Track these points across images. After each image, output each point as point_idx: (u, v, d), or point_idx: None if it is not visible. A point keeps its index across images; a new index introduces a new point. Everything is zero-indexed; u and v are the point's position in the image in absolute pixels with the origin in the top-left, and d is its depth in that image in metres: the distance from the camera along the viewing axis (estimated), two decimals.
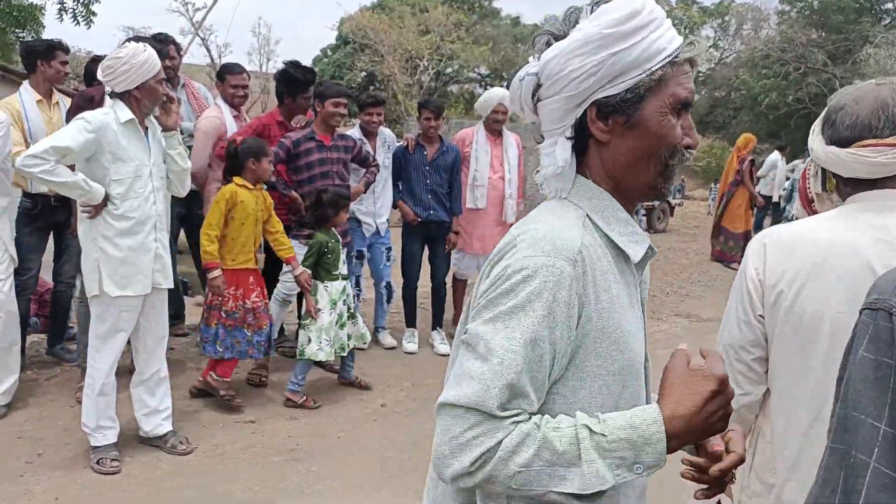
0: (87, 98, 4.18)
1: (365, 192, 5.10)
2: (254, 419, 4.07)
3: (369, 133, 5.31)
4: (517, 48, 29.78)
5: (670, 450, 1.03)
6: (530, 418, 1.03)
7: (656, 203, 14.88)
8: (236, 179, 4.08)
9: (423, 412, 4.31)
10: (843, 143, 1.44)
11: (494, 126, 5.63)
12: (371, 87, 25.98)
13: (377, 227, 5.38)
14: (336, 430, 4.03)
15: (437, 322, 5.70)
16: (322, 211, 4.36)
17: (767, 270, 1.49)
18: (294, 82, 4.83)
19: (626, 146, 1.11)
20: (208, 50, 25.13)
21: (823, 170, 1.55)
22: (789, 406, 1.50)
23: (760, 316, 1.51)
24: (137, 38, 3.82)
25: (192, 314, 5.91)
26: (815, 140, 1.49)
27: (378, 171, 5.19)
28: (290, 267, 4.33)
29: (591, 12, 1.09)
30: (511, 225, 5.94)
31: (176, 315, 5.03)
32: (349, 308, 4.45)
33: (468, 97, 29.56)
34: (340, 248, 4.44)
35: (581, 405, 1.07)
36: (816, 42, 23.97)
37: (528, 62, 1.16)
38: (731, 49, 31.50)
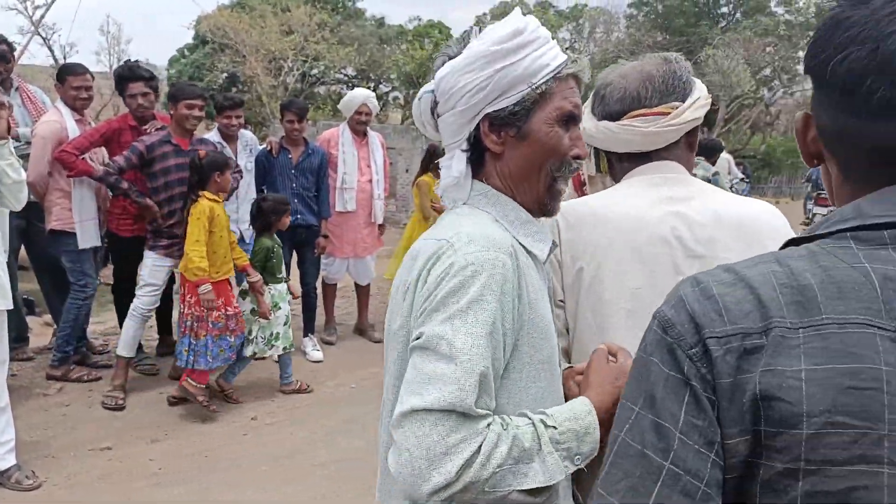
0: None
1: (228, 199, 4.89)
2: (110, 445, 3.80)
3: (229, 136, 5.11)
4: (383, 49, 29.83)
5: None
6: (496, 418, 1.05)
7: None
8: (206, 194, 4.10)
9: (297, 423, 4.21)
10: (615, 116, 1.44)
11: (358, 127, 5.59)
12: (234, 89, 25.14)
13: (241, 234, 5.18)
14: (202, 449, 3.84)
15: (308, 328, 5.58)
16: (264, 218, 4.51)
17: (564, 247, 1.42)
18: (120, 80, 4.61)
19: (518, 156, 1.18)
20: (51, 50, 23.32)
21: (597, 151, 1.56)
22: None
23: (561, 301, 1.43)
24: None
25: (40, 335, 5.45)
26: (587, 119, 1.48)
27: (241, 176, 5.01)
28: (247, 274, 4.36)
29: (479, 32, 1.18)
30: (380, 226, 5.97)
31: (18, 337, 4.61)
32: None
33: (335, 98, 29.22)
34: (282, 252, 4.61)
35: (517, 396, 1.11)
36: (661, 44, 25.66)
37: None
38: (586, 51, 33.03)
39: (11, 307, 3.34)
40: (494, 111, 1.15)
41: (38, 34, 20.89)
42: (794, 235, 0.87)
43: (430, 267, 1.09)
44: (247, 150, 5.25)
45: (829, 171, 0.86)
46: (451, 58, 1.18)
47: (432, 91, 1.20)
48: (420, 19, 35.44)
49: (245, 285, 4.46)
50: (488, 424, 1.02)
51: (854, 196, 0.80)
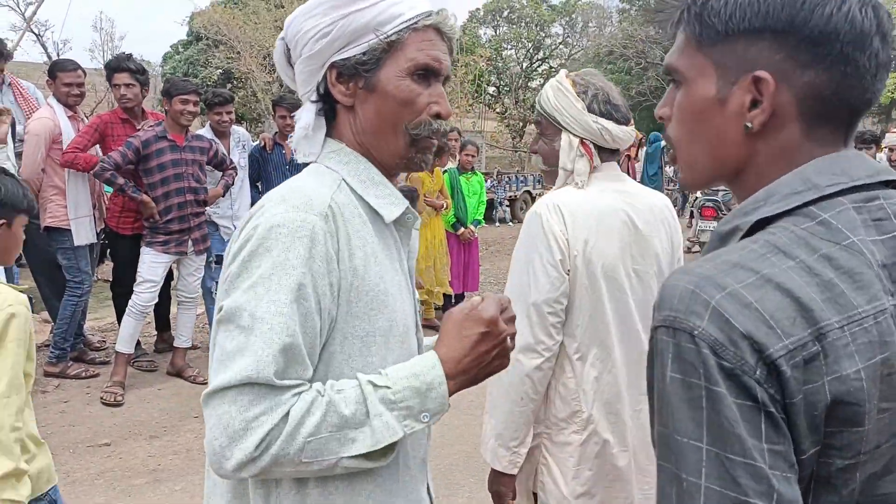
0: None
1: (223, 195, 4.89)
2: (109, 442, 3.80)
3: (221, 133, 5.10)
4: None
5: (450, 393, 1.04)
6: (311, 387, 0.99)
7: (518, 193, 15.38)
8: None
9: None
10: (620, 121, 1.78)
11: None
12: (228, 85, 25.04)
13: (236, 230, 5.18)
14: (200, 445, 3.84)
15: None
16: None
17: (569, 231, 1.70)
18: (108, 70, 4.63)
19: (370, 110, 1.10)
20: (44, 47, 23.26)
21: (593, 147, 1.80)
22: (588, 343, 1.75)
23: (568, 271, 1.71)
24: None
25: (37, 332, 5.43)
26: (581, 113, 1.74)
27: (236, 173, 5.00)
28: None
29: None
30: None
31: None
32: None
33: None
34: None
35: (338, 369, 1.04)
36: (654, 38, 25.68)
37: None
38: (578, 46, 33.04)
39: None
40: (341, 59, 1.08)
41: (31, 31, 20.80)
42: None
43: (241, 228, 1.04)
44: (239, 146, 5.24)
45: (753, 145, 0.81)
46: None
47: (283, 38, 1.14)
48: None
49: None
50: (296, 395, 0.96)
51: (794, 163, 0.78)
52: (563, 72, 1.85)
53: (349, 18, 1.05)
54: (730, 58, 0.79)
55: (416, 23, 1.08)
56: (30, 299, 5.66)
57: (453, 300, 6.18)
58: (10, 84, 4.63)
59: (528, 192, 15.71)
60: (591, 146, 1.76)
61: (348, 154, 1.12)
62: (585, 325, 1.73)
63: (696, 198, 10.74)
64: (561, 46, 34.44)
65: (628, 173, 9.40)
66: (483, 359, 1.06)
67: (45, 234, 4.41)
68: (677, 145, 0.87)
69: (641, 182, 12.10)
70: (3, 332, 1.67)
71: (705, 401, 0.68)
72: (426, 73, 1.10)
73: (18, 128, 4.44)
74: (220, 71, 26.41)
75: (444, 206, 6.03)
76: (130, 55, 4.72)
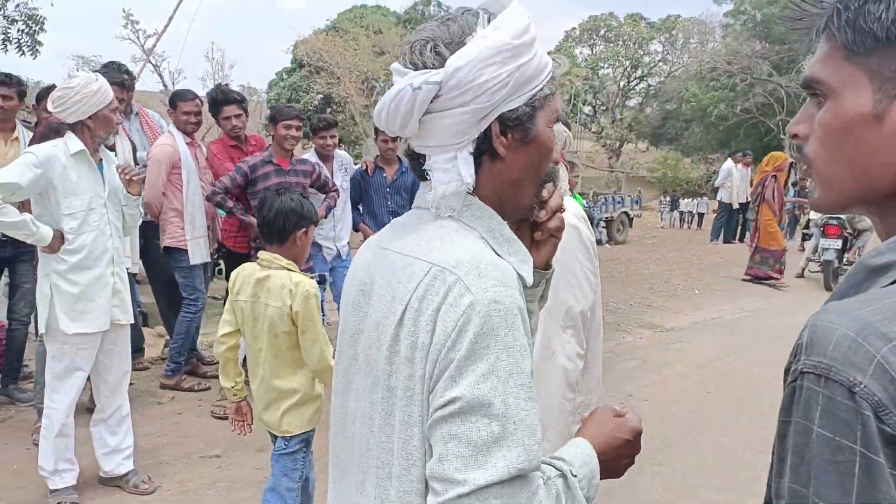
0: (54, 128, 4.05)
1: (326, 217, 5.06)
2: (219, 453, 3.97)
3: (325, 157, 5.28)
4: None
5: None
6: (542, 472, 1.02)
7: (615, 214, 15.10)
8: None
9: None
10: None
11: None
12: (328, 110, 25.92)
13: (338, 251, 5.34)
14: None
15: None
16: None
17: (585, 234, 1.98)
18: (214, 103, 4.86)
19: (521, 161, 1.08)
20: (161, 76, 24.79)
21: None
22: (597, 331, 2.16)
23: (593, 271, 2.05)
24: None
25: (152, 346, 5.77)
26: (562, 128, 2.05)
27: (338, 195, 5.16)
28: None
29: (488, 21, 1.03)
30: None
31: (135, 348, 4.90)
32: None
33: None
34: None
35: None
36: (761, 53, 24.72)
37: (404, 69, 1.04)
38: (679, 62, 32.23)
39: (133, 321, 3.56)
40: (509, 110, 1.03)
41: (149, 62, 22.27)
42: None
43: (436, 305, 0.96)
44: (342, 169, 5.41)
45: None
46: (446, 44, 1.02)
47: (439, 83, 1.00)
48: (435, 25, 35.57)
49: None
50: (544, 479, 0.99)
51: None
52: None
53: (522, 69, 1.02)
54: (890, 67, 0.72)
55: (554, 72, 1.09)
56: (145, 315, 6.01)
57: None
58: (137, 113, 4.97)
59: (626, 213, 15.40)
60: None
61: (481, 208, 1.07)
62: (590, 328, 2.04)
63: (808, 220, 10.20)
64: (660, 64, 33.74)
65: (773, 197, 9.05)
66: (620, 461, 1.16)
67: (164, 254, 4.69)
68: (816, 165, 0.80)
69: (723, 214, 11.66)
70: (309, 308, 2.58)
71: (858, 468, 0.61)
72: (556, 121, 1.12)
73: (142, 154, 4.76)
74: (321, 96, 27.46)
75: None
76: (228, 86, 4.99)
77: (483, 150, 1.06)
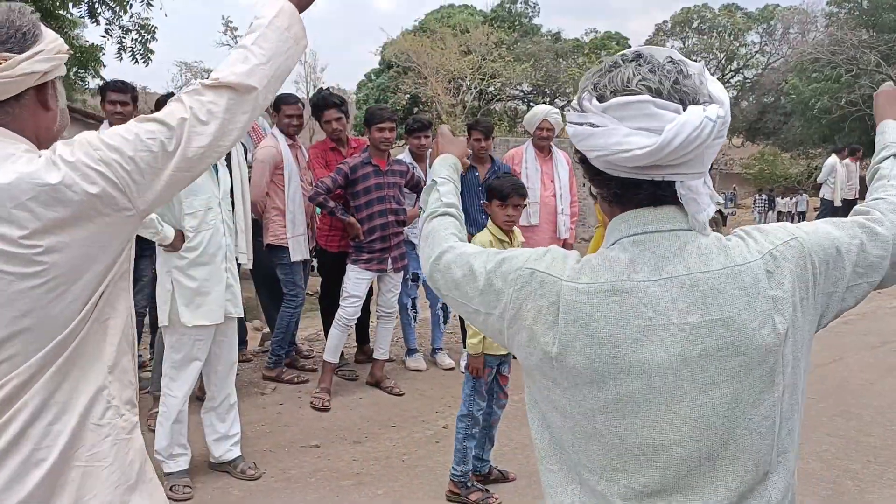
0: None
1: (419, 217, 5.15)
2: (318, 443, 4.12)
3: (419, 157, 5.38)
4: (559, 63, 29.76)
5: None
6: None
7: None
8: None
9: None
10: None
11: (541, 143, 5.65)
12: (415, 109, 26.25)
13: None
14: (399, 453, 4.05)
15: None
16: None
17: None
18: (316, 108, 5.06)
19: None
20: None
21: None
22: None
23: None
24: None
25: (251, 339, 6.03)
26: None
27: None
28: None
29: (700, 71, 1.13)
30: (565, 241, 5.94)
31: (240, 341, 5.14)
32: None
33: (511, 115, 29.63)
34: None
35: None
36: (868, 43, 23.35)
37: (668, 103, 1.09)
38: (777, 54, 30.87)
39: (242, 315, 3.75)
40: None
41: None
42: None
43: (802, 262, 1.14)
44: None
45: None
46: (653, 91, 1.06)
47: (724, 116, 1.09)
48: (597, 32, 34.98)
49: None
50: None
51: None
52: None
53: None
54: None
55: None
56: (246, 308, 6.27)
57: None
58: None
59: (720, 210, 14.91)
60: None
61: None
62: None
63: None
64: (757, 55, 32.38)
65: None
66: None
67: (266, 251, 4.89)
68: None
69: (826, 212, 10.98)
70: None
71: None
72: None
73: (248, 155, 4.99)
74: (408, 96, 27.83)
75: None
76: (329, 89, 5.15)
77: None
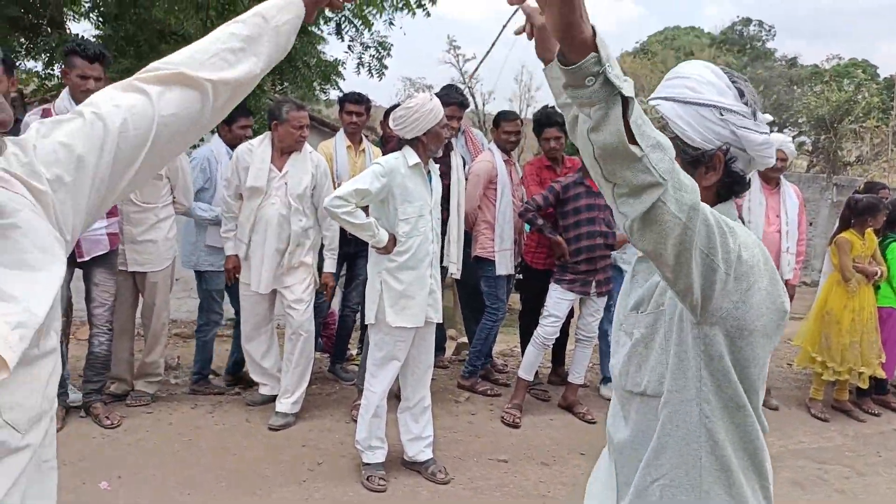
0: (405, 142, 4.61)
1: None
2: (506, 458, 4.12)
3: None
4: (792, 90, 27.59)
5: None
6: None
7: None
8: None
9: None
10: None
11: (770, 174, 5.21)
12: None
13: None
14: (586, 481, 3.92)
15: None
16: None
17: None
18: (538, 125, 5.08)
19: None
20: (473, 97, 26.77)
21: None
22: None
23: None
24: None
25: (447, 347, 6.21)
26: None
27: None
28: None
29: None
30: (787, 282, 5.48)
31: (437, 347, 5.31)
32: None
33: None
34: None
35: None
36: None
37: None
38: None
39: (442, 321, 3.87)
40: None
41: (466, 85, 24.14)
42: None
43: None
44: None
45: None
46: None
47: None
48: (840, 58, 32.00)
49: None
50: None
51: None
52: None
53: None
54: None
55: None
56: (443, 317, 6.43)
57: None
58: (463, 132, 5.40)
59: None
60: None
61: None
62: None
63: None
64: None
65: None
66: None
67: (473, 263, 5.01)
68: None
69: None
70: None
71: None
72: None
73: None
74: None
75: (879, 273, 5.25)
76: (554, 108, 5.13)
77: None
